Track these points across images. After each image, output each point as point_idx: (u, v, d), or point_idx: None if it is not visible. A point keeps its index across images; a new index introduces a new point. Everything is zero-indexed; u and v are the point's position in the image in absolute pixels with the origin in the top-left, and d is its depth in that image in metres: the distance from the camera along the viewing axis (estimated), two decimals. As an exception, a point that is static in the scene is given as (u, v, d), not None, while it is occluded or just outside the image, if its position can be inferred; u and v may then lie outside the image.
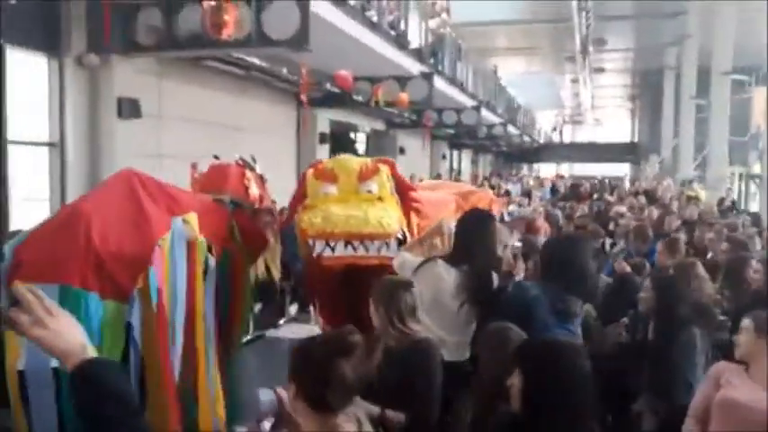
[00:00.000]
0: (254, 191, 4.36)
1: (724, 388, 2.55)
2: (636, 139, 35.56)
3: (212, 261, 3.16)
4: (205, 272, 3.11)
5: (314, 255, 3.45)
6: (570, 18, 15.42)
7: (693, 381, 3.08)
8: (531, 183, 18.76)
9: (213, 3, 5.83)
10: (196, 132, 8.13)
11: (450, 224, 3.46)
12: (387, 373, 2.81)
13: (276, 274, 4.09)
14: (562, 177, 25.59)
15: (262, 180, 4.67)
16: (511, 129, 23.12)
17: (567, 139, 44.45)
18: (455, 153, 23.94)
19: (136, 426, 1.28)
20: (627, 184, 20.47)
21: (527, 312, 2.85)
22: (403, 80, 10.62)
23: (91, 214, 2.70)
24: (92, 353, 1.32)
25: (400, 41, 10.33)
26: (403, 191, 3.74)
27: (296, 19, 6.14)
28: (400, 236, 3.47)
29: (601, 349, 4.18)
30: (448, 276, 3.19)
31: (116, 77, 6.77)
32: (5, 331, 2.37)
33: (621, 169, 34.97)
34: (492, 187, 16.71)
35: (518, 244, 3.41)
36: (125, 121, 6.90)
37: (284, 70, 9.13)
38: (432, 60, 12.27)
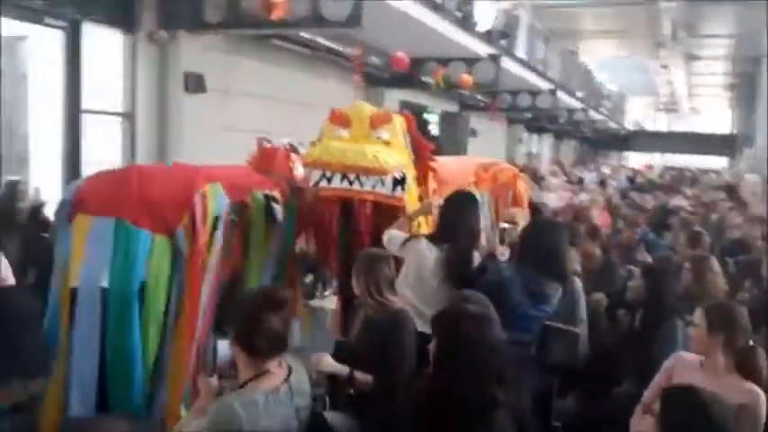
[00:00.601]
0: (299, 171, 4.75)
1: (674, 378, 2.57)
2: (734, 131, 33.66)
3: (279, 209, 3.45)
4: (274, 220, 3.46)
5: (311, 184, 3.61)
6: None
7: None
8: (608, 171, 18.20)
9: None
10: (262, 108, 8.46)
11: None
12: (365, 339, 3.01)
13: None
14: (651, 168, 24.54)
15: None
16: (594, 114, 22.41)
17: (662, 128, 42.52)
18: (534, 138, 23.45)
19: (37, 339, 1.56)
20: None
21: (501, 293, 2.96)
22: (470, 62, 10.60)
23: (140, 171, 3.20)
24: None
25: (466, 23, 10.30)
26: (419, 150, 3.83)
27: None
28: (398, 176, 3.54)
29: (609, 338, 4.23)
30: (430, 254, 3.32)
31: (183, 53, 7.18)
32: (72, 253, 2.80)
33: (719, 162, 33.29)
34: (565, 174, 16.42)
35: (506, 225, 3.48)
36: (191, 95, 7.34)
37: (350, 50, 9.32)
38: (503, 42, 12.13)
